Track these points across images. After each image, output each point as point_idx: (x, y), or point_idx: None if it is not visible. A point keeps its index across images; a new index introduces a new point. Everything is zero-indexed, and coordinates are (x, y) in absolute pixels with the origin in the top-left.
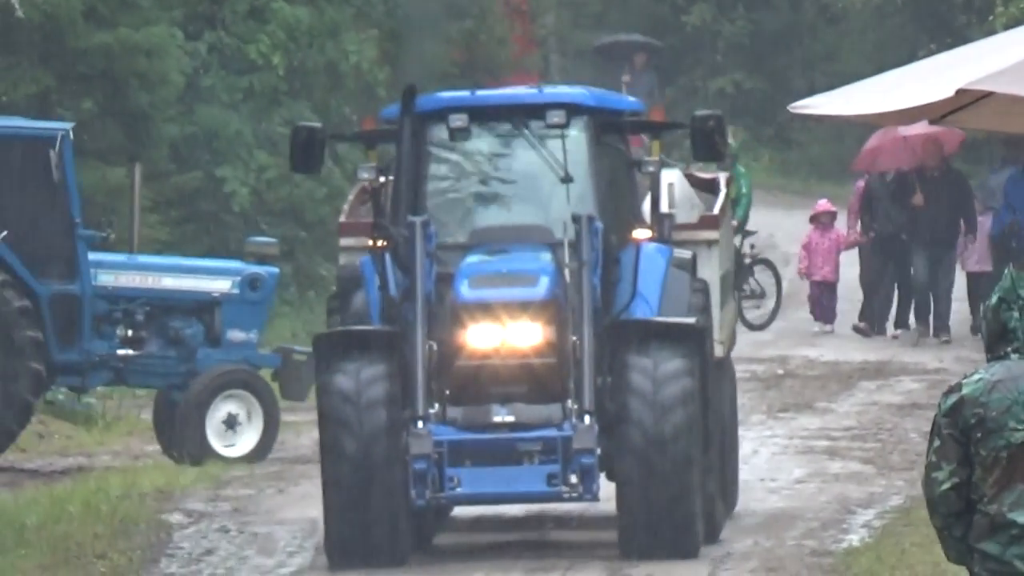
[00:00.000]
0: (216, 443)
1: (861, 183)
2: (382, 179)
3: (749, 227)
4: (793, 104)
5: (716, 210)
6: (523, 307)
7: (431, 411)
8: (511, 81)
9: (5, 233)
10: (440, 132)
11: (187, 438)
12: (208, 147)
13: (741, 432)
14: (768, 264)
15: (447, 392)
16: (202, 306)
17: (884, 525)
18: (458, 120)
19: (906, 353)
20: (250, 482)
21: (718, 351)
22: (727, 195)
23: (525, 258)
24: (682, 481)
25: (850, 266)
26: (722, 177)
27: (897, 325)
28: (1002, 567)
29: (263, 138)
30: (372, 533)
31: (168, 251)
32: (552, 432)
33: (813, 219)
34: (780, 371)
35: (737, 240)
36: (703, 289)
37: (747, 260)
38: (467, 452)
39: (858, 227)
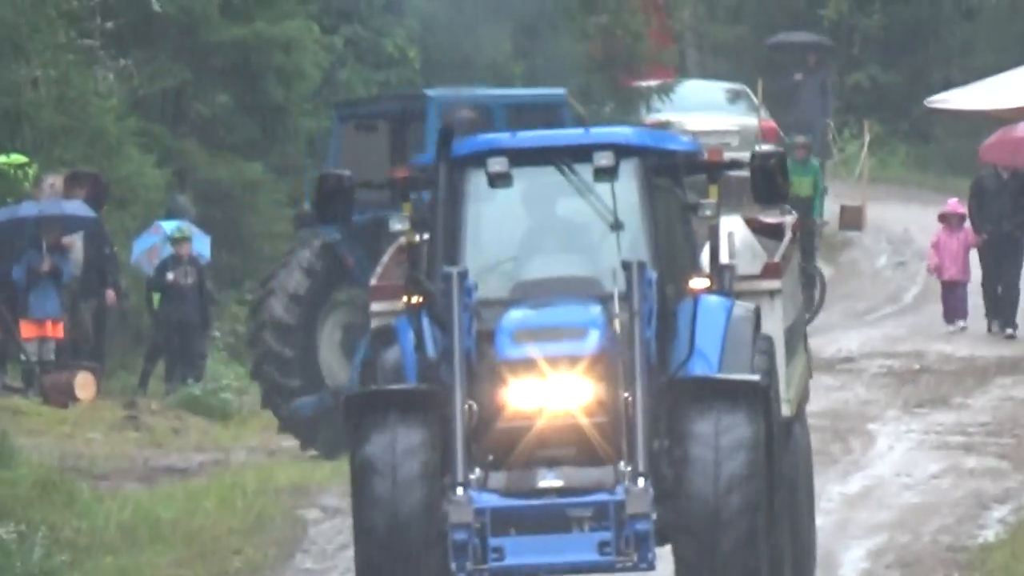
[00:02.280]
0: None
1: None
2: (416, 233)
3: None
4: (929, 99)
5: (778, 257)
6: (570, 363)
7: (472, 477)
8: (648, 75)
9: None
10: (478, 178)
11: None
12: None
13: (877, 427)
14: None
15: (489, 456)
16: None
17: (1020, 521)
18: (497, 164)
19: (999, 337)
20: None
21: (785, 410)
22: (792, 240)
23: (572, 311)
24: (746, 562)
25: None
26: (789, 221)
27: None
28: None
29: None
30: None
31: None
32: (603, 496)
33: (942, 219)
34: (916, 366)
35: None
36: (768, 344)
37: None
38: (512, 520)
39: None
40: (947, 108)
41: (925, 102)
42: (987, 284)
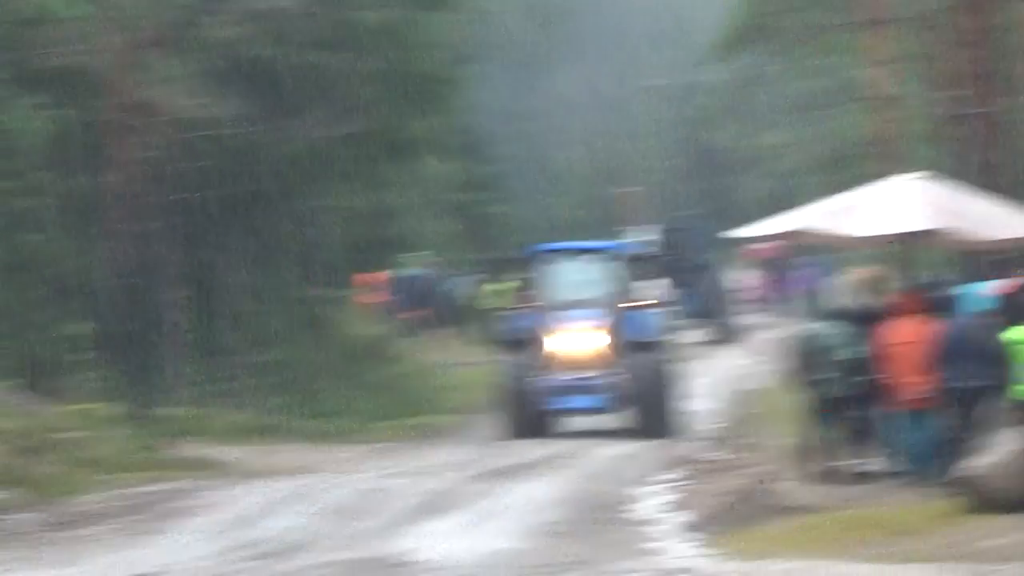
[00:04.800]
0: None
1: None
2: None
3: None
4: (733, 232)
5: (667, 298)
6: (588, 329)
7: (549, 372)
8: None
9: None
10: (552, 258)
11: None
12: None
13: (718, 353)
14: None
15: (555, 365)
16: None
17: (763, 382)
18: (560, 253)
19: (780, 324)
20: None
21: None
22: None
23: (591, 311)
24: (660, 408)
25: None
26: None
27: None
28: (815, 393)
29: None
30: (524, 425)
31: None
32: (603, 381)
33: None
34: None
35: None
36: (665, 328)
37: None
38: (565, 389)
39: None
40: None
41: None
42: (772, 298)
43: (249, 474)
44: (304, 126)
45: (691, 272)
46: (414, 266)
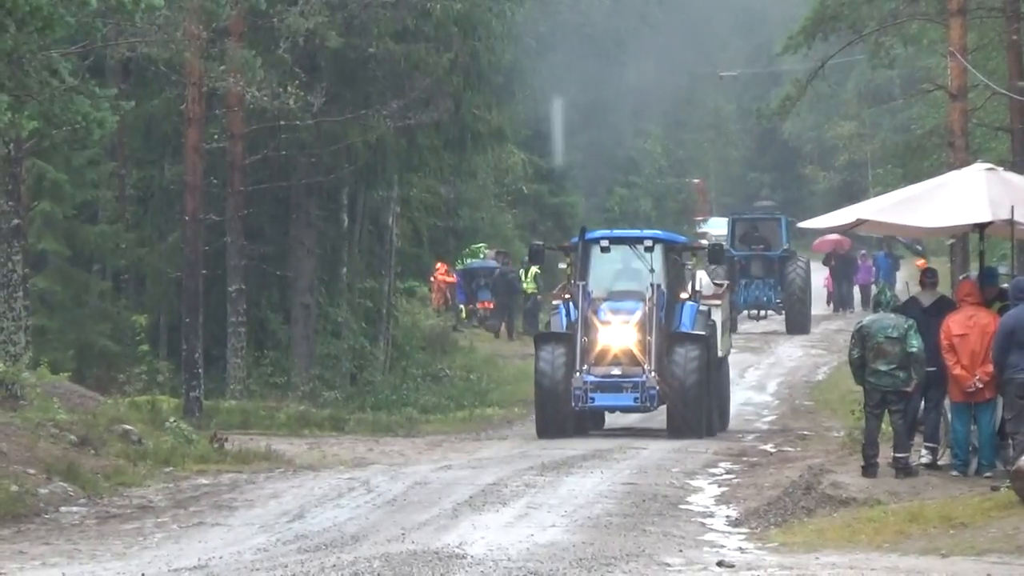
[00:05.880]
0: None
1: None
2: (569, 269)
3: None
4: (802, 222)
5: (721, 291)
6: (626, 323)
7: (584, 368)
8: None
9: None
10: (597, 248)
11: None
12: None
13: (778, 342)
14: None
15: (591, 360)
16: None
17: (829, 373)
18: (605, 243)
19: (839, 316)
20: None
21: (720, 353)
22: (728, 286)
23: (630, 303)
24: (696, 407)
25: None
26: (726, 284)
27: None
28: (874, 385)
29: None
30: (558, 422)
31: None
32: (637, 379)
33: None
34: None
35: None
36: (712, 324)
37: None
38: (598, 386)
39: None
40: (813, 227)
41: (798, 224)
42: (836, 291)
43: (304, 467)
44: (377, 117)
45: (767, 263)
46: (482, 257)
